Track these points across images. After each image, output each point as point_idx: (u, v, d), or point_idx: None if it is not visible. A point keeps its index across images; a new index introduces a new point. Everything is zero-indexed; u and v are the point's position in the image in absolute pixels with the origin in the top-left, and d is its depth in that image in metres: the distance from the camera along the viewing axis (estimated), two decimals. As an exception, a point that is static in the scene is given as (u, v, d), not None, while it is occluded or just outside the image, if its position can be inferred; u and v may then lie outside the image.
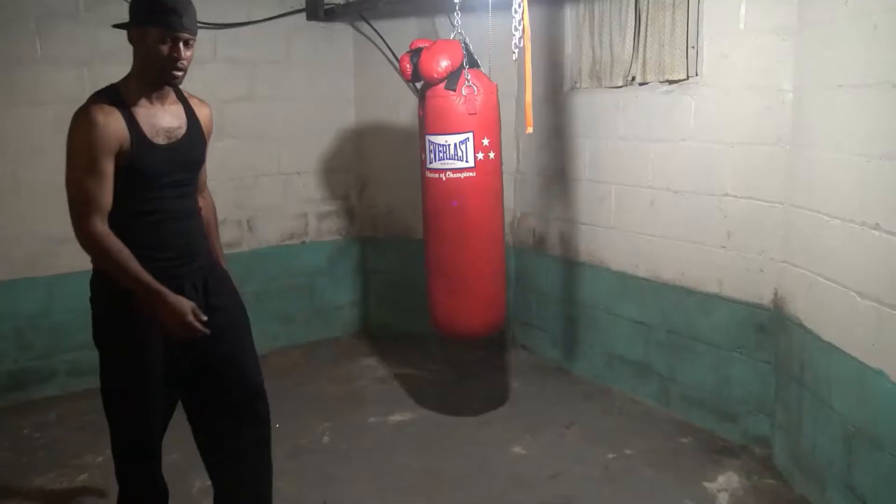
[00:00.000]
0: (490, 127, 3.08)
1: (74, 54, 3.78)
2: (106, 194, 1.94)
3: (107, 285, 2.04)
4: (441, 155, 3.06)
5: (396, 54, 4.27)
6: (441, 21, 4.18)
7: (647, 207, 3.54)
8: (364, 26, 4.52)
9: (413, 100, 4.08)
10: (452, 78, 3.02)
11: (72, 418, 3.60)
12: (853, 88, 2.41)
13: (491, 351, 4.37)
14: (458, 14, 3.08)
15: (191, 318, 1.98)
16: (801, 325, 2.78)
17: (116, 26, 2.07)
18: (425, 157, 3.14)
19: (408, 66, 3.16)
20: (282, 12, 4.33)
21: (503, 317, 3.34)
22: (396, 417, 3.59)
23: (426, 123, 3.12)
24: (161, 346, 2.06)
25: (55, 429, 3.51)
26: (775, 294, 3.01)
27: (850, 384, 2.45)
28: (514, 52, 2.88)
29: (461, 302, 3.18)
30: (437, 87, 3.05)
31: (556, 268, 4.13)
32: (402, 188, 4.47)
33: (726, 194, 3.16)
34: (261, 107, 4.36)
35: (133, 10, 2.01)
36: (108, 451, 3.19)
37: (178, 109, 2.13)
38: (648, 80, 3.46)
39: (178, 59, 1.97)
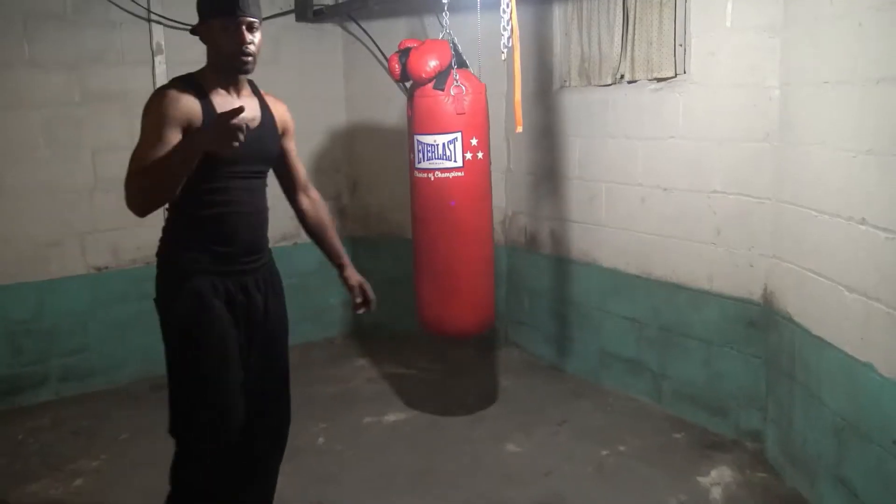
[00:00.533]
0: (478, 127, 3.09)
1: (62, 57, 3.77)
2: None
3: (177, 276, 2.06)
4: (429, 155, 3.07)
5: (386, 54, 4.27)
6: (430, 21, 4.19)
7: (637, 205, 3.55)
8: (353, 27, 4.52)
9: (403, 100, 4.09)
10: (441, 78, 3.04)
11: (65, 423, 3.59)
12: (839, 85, 2.43)
13: (483, 349, 4.38)
14: (446, 14, 3.09)
15: (228, 120, 1.79)
16: (790, 320, 2.81)
17: (192, 32, 2.08)
18: (414, 157, 3.15)
19: (396, 66, 3.17)
20: (270, 14, 4.33)
21: (492, 316, 3.35)
22: (391, 417, 3.60)
23: (414, 123, 3.13)
24: (233, 331, 2.10)
25: (49, 434, 3.50)
26: (765, 289, 3.03)
27: (839, 378, 2.48)
28: (502, 52, 2.89)
29: (449, 301, 3.20)
30: (426, 87, 3.06)
31: (548, 266, 4.15)
32: (393, 188, 4.47)
33: (715, 191, 3.18)
34: (251, 108, 4.36)
35: (197, 9, 2.04)
36: (104, 456, 3.23)
37: (253, 103, 2.13)
38: (637, 78, 3.47)
39: (243, 43, 1.97)
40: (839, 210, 2.44)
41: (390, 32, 4.31)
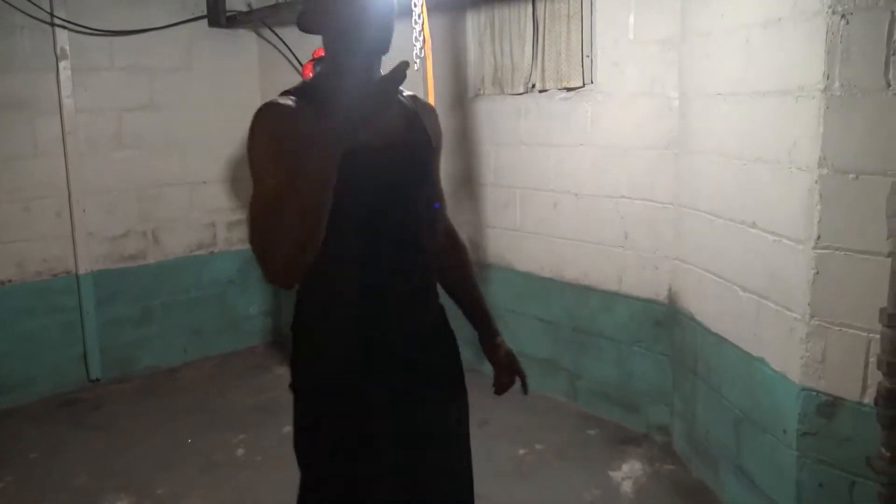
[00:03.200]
0: (395, 135, 3.13)
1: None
2: None
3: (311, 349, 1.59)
4: (347, 164, 3.09)
5: (301, 61, 4.26)
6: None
7: (550, 210, 3.67)
8: (268, 33, 4.48)
9: (320, 107, 4.09)
10: (356, 87, 3.05)
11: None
12: (730, 97, 2.58)
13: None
14: (360, 23, 3.11)
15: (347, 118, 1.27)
16: (692, 319, 2.96)
17: None
18: (332, 166, 3.16)
19: (311, 75, 3.17)
20: (182, 19, 4.25)
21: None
22: (312, 425, 3.59)
23: (331, 132, 3.14)
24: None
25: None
26: (669, 290, 3.18)
27: (736, 372, 2.63)
28: (415, 63, 2.94)
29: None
30: (342, 96, 3.07)
31: (467, 270, 4.21)
32: (312, 195, 4.45)
33: (623, 196, 3.32)
34: (163, 115, 4.27)
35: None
36: (10, 478, 3.10)
37: None
38: (548, 88, 3.58)
39: None
40: (733, 214, 2.59)
41: (305, 39, 4.27)
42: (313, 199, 1.26)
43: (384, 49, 1.49)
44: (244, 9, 4.37)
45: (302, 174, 1.25)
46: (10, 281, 3.84)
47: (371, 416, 1.54)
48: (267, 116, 1.40)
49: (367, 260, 1.51)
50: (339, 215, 1.33)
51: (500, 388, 1.86)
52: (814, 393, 2.21)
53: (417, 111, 1.61)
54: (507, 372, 1.86)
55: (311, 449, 1.60)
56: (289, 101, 1.44)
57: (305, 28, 1.55)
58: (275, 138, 1.36)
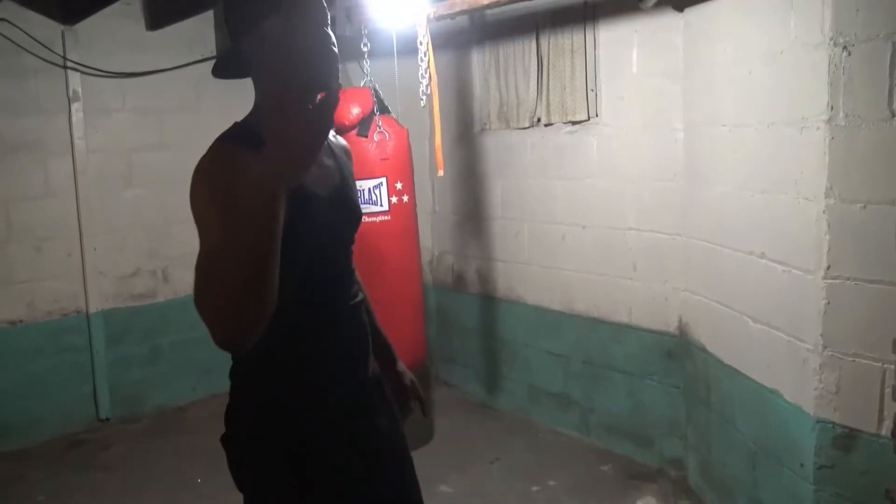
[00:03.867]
0: (402, 171, 3.15)
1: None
2: None
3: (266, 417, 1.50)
4: (355, 200, 3.11)
5: (309, 100, 4.30)
6: (352, 66, 4.26)
7: (558, 242, 3.67)
8: (276, 72, 4.54)
9: (327, 144, 4.11)
10: (364, 124, 3.09)
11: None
12: (734, 128, 2.60)
13: (415, 389, 4.38)
14: (367, 61, 3.16)
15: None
16: (703, 350, 2.94)
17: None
18: (340, 203, 3.18)
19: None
20: (190, 60, 4.32)
21: (423, 356, 3.38)
22: (321, 463, 3.55)
23: (339, 169, 3.16)
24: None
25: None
26: (680, 321, 3.16)
27: (750, 404, 2.60)
28: (421, 99, 2.98)
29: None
30: (350, 133, 3.11)
31: (476, 304, 4.21)
32: (320, 231, 4.47)
33: (630, 228, 3.32)
34: (171, 154, 4.30)
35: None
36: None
37: None
38: (553, 121, 3.61)
39: None
40: (741, 245, 2.59)
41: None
42: (262, 244, 1.13)
43: (335, 82, 1.40)
44: (252, 49, 4.44)
45: (247, 220, 1.13)
46: (20, 321, 3.86)
47: (323, 473, 1.51)
48: (207, 168, 1.31)
49: (315, 307, 1.47)
50: (290, 265, 1.27)
51: (406, 413, 1.87)
52: (829, 425, 2.18)
53: (336, 151, 1.58)
54: (411, 397, 1.88)
55: None
56: (230, 147, 1.35)
57: (233, 73, 1.47)
58: (218, 188, 1.27)
